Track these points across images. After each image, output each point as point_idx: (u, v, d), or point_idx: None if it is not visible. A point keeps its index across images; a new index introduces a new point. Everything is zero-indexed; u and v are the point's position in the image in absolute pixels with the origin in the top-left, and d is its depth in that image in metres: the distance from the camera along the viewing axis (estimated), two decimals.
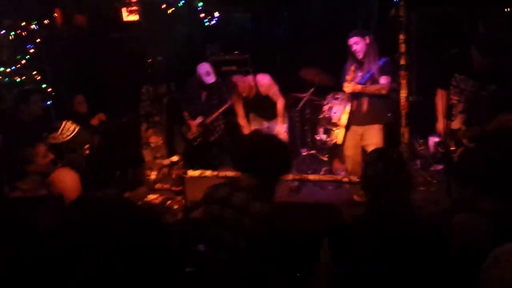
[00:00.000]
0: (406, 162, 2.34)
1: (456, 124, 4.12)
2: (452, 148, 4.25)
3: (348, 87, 4.65)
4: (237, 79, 5.67)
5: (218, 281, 2.31)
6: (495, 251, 1.53)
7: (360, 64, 4.65)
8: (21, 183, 3.23)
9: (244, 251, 2.28)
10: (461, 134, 4.07)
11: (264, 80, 5.57)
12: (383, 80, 4.61)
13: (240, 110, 5.78)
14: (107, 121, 5.81)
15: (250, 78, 5.66)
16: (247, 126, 5.79)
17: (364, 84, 4.64)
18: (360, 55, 4.58)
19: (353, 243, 2.15)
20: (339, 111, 5.00)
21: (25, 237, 2.71)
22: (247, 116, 5.92)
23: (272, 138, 2.59)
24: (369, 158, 2.32)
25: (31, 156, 3.33)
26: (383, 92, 4.67)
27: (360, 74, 4.68)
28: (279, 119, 5.68)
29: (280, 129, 5.64)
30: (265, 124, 5.84)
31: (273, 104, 5.67)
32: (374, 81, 4.62)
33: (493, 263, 1.48)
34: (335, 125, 4.87)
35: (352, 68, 4.67)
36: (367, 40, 4.56)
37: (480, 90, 3.98)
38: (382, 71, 4.60)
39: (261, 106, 5.72)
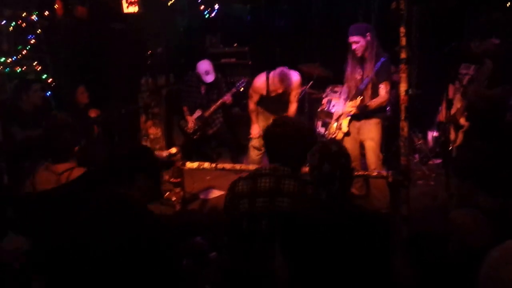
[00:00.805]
0: (347, 155, 2.30)
1: (455, 105, 4.15)
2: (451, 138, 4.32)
3: (351, 110, 4.64)
4: (263, 78, 5.45)
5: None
6: (500, 250, 1.49)
7: (360, 60, 4.65)
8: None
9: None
10: (457, 112, 4.11)
11: (297, 78, 5.38)
12: (382, 90, 4.59)
13: (253, 105, 5.60)
14: (106, 112, 5.81)
15: (282, 73, 5.29)
16: (256, 121, 5.63)
17: (364, 88, 4.62)
18: (359, 53, 4.57)
19: (299, 237, 2.14)
20: (338, 106, 4.98)
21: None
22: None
23: (303, 127, 2.56)
24: (312, 151, 2.31)
25: None
26: (384, 104, 4.67)
27: (360, 71, 4.66)
28: None
29: None
30: None
31: (285, 104, 5.49)
32: (374, 84, 4.60)
33: (504, 262, 1.45)
34: (339, 127, 4.85)
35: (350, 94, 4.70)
36: (368, 37, 4.54)
37: (479, 69, 4.12)
38: (381, 75, 4.57)
39: (274, 101, 5.50)
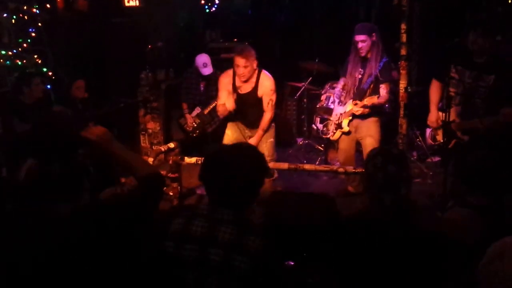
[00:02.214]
0: (408, 158, 2.28)
1: (451, 116, 4.12)
2: (441, 141, 4.27)
3: (358, 111, 4.62)
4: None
5: None
6: (496, 245, 1.50)
7: (362, 59, 4.64)
8: None
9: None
10: (455, 126, 4.06)
11: (269, 82, 4.59)
12: (383, 90, 4.59)
13: (223, 95, 4.68)
14: (104, 107, 5.82)
15: (244, 45, 5.00)
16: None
17: (368, 88, 4.62)
18: (363, 53, 4.57)
19: (355, 239, 2.11)
20: (337, 104, 4.97)
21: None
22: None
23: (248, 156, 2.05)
24: (370, 154, 2.26)
25: None
26: (383, 103, 4.67)
27: (361, 70, 4.66)
28: (259, 132, 4.64)
29: (252, 141, 4.61)
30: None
31: (260, 114, 4.68)
32: (376, 83, 4.60)
33: (498, 257, 1.47)
34: (339, 126, 4.85)
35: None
36: (374, 37, 4.53)
37: (478, 81, 3.94)
38: (383, 76, 4.57)
39: (247, 111, 4.73)
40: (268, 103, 4.58)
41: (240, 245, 1.88)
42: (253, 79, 4.55)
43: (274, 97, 4.60)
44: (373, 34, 4.53)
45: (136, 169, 2.03)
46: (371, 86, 4.64)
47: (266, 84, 4.56)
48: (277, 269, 1.98)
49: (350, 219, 2.29)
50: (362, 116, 4.69)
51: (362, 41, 4.51)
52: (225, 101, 4.57)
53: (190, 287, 1.94)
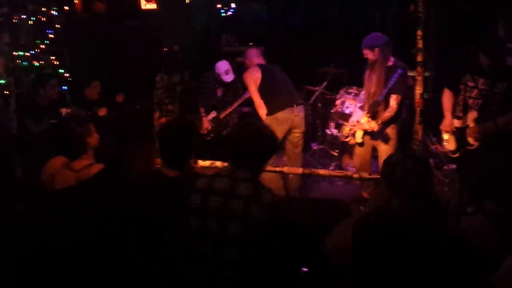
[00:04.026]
0: (428, 161, 2.31)
1: (466, 121, 4.11)
2: (451, 149, 4.29)
3: (369, 129, 4.57)
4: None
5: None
6: None
7: (375, 69, 4.62)
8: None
9: (252, 241, 2.28)
10: (469, 131, 4.07)
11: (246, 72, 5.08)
12: (393, 101, 4.55)
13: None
14: (119, 109, 5.86)
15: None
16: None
17: (382, 100, 4.57)
18: (370, 62, 4.57)
19: (386, 245, 2.06)
20: (355, 112, 4.93)
21: None
22: None
23: (263, 131, 2.52)
24: (395, 159, 2.27)
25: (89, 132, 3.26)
26: (393, 114, 4.62)
27: (374, 77, 4.63)
28: None
29: None
30: None
31: None
32: (388, 95, 4.56)
33: None
34: (353, 135, 4.81)
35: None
36: (376, 52, 4.50)
37: (492, 88, 3.99)
38: (395, 87, 4.53)
39: None
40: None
41: (256, 197, 2.29)
42: None
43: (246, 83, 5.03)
44: (375, 49, 4.48)
45: None
46: (384, 98, 4.61)
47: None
48: (285, 218, 2.37)
49: (382, 224, 2.23)
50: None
51: (365, 54, 4.52)
52: None
53: (214, 232, 2.30)
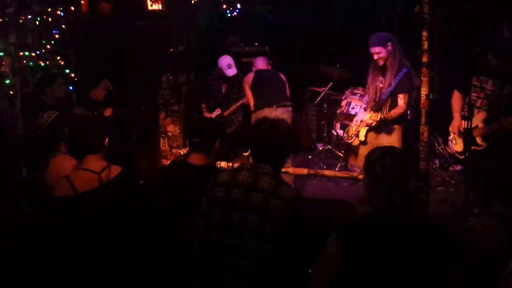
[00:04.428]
0: (408, 158, 2.33)
1: (474, 121, 4.11)
2: (459, 150, 4.29)
3: (372, 123, 4.58)
4: None
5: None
6: None
7: (381, 69, 4.61)
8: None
9: (270, 235, 2.35)
10: (476, 131, 4.07)
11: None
12: (400, 100, 4.54)
13: None
14: (124, 109, 5.87)
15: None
16: None
17: (387, 98, 4.57)
18: (381, 63, 4.53)
19: (365, 241, 2.16)
20: (359, 112, 4.92)
21: None
22: None
23: (278, 127, 2.60)
24: (374, 156, 2.29)
25: None
26: (402, 113, 4.62)
27: (382, 79, 4.62)
28: None
29: None
30: None
31: None
32: (395, 93, 4.55)
33: None
34: (357, 134, 4.80)
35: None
36: (389, 47, 4.48)
37: (501, 89, 4.02)
38: (402, 86, 4.52)
39: None
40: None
41: (276, 191, 2.39)
42: None
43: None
44: (388, 43, 4.47)
45: None
46: (390, 96, 4.59)
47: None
48: (303, 214, 2.43)
49: (363, 221, 2.30)
50: (385, 124, 4.64)
51: (376, 53, 4.49)
52: None
53: (235, 223, 2.40)
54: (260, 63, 5.94)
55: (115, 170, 2.90)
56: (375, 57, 4.52)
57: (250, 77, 5.79)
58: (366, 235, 2.16)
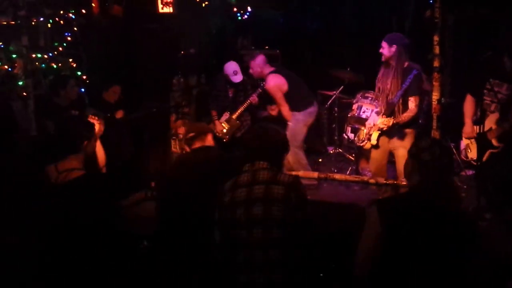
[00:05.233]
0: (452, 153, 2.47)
1: (488, 124, 4.08)
2: (473, 158, 4.26)
3: (383, 127, 4.57)
4: None
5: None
6: None
7: (389, 66, 4.59)
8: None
9: (278, 221, 2.49)
10: (490, 133, 4.04)
11: (270, 83, 5.50)
12: (411, 103, 4.51)
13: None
14: (136, 112, 5.90)
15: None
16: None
17: (397, 101, 4.55)
18: (383, 58, 4.52)
19: (401, 213, 2.31)
20: (371, 116, 4.91)
21: None
22: None
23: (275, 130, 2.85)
24: (425, 144, 2.43)
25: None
26: (413, 117, 4.60)
27: (390, 79, 4.60)
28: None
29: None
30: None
31: None
32: (405, 96, 4.53)
33: None
34: (369, 138, 4.79)
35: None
36: (393, 48, 4.45)
37: None
38: (412, 89, 4.49)
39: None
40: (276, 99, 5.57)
41: (276, 179, 2.59)
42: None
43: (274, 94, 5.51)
44: (393, 45, 4.44)
45: None
46: (401, 100, 4.58)
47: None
48: (304, 194, 2.62)
49: (401, 197, 2.55)
50: (397, 127, 4.63)
51: (381, 47, 4.48)
52: None
53: (242, 219, 2.55)
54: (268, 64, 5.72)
55: (76, 174, 2.90)
56: (380, 50, 4.52)
57: (281, 80, 5.51)
58: (403, 208, 2.32)
